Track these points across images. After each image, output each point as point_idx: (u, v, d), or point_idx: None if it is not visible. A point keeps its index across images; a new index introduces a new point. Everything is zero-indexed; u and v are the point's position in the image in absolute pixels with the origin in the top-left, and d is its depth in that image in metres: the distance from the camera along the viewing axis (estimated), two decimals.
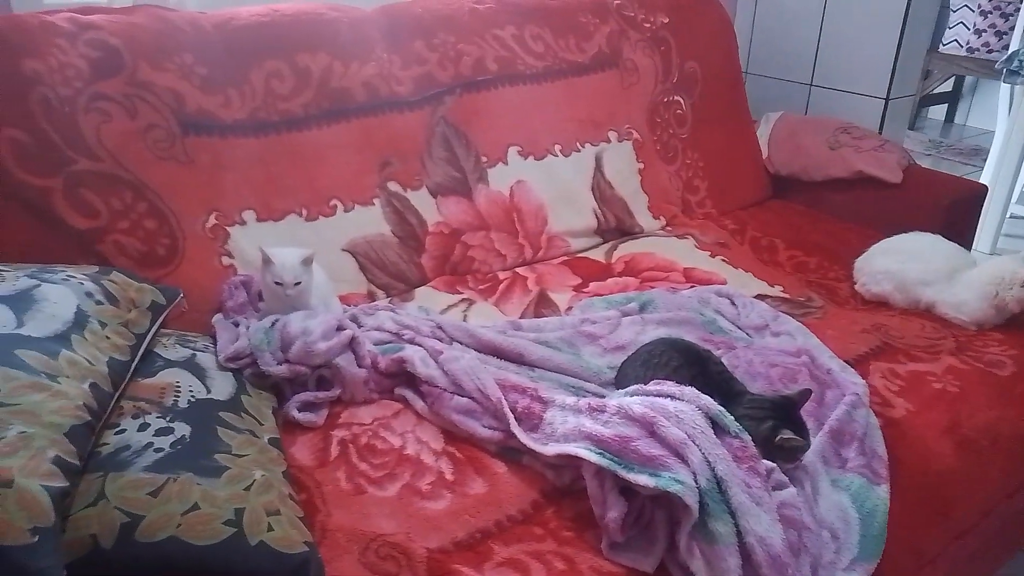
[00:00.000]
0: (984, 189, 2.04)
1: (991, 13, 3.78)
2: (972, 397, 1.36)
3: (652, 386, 1.12)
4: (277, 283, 1.28)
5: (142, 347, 1.09)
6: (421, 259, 1.65)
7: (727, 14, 2.23)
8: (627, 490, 1.00)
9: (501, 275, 1.70)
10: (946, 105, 4.92)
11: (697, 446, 1.00)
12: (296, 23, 1.57)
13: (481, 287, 1.65)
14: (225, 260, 1.43)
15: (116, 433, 0.92)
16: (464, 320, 1.50)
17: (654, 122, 2.05)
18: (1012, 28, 3.61)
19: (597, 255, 1.83)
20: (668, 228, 1.98)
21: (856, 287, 1.69)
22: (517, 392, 1.17)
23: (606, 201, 1.91)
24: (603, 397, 1.17)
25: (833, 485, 1.14)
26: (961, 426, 1.31)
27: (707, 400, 1.07)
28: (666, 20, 2.08)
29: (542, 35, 1.89)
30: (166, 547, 0.81)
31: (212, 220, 1.43)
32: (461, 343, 1.34)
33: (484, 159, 1.76)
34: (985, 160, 3.36)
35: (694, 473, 0.97)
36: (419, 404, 1.23)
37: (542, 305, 1.59)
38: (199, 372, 1.13)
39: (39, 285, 1.01)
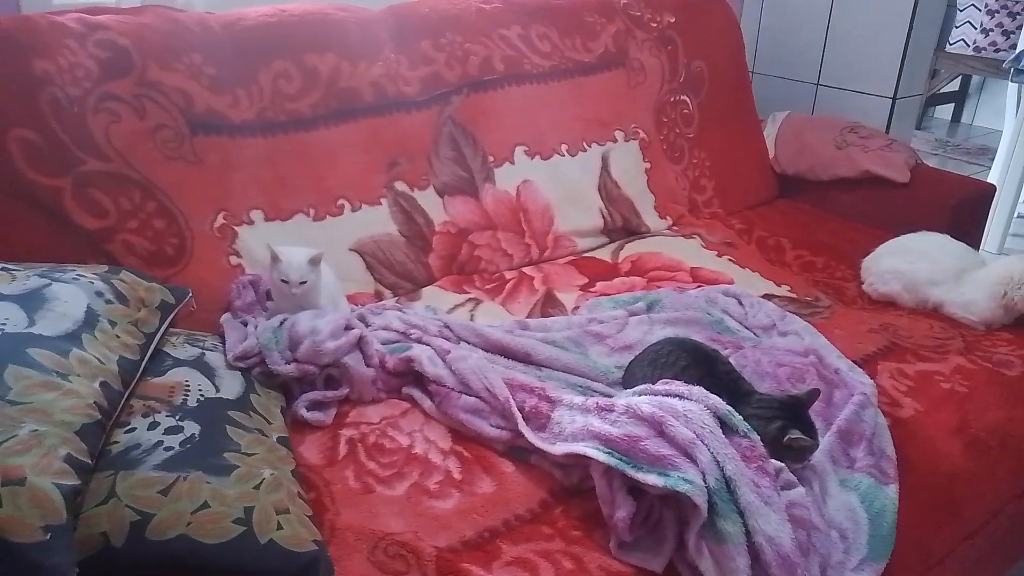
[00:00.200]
0: (992, 189, 2.03)
1: (998, 12, 3.77)
2: (981, 397, 1.36)
3: (660, 386, 1.12)
4: (283, 281, 1.29)
5: (151, 346, 1.09)
6: (428, 259, 1.65)
7: (734, 13, 2.23)
8: (635, 489, 1.00)
9: (508, 275, 1.70)
10: (953, 104, 4.90)
11: (706, 446, 1.00)
12: (304, 23, 1.58)
13: (488, 287, 1.65)
14: (233, 259, 1.43)
15: (126, 432, 0.93)
16: (471, 320, 1.50)
17: (660, 122, 2.05)
18: (1019, 27, 3.61)
19: (603, 255, 1.83)
20: (675, 228, 1.98)
21: (863, 287, 1.69)
22: (525, 391, 1.17)
23: (612, 201, 1.91)
24: (611, 397, 1.17)
25: (842, 485, 1.14)
26: (970, 426, 1.31)
27: (715, 400, 1.07)
28: (673, 19, 2.08)
29: (548, 35, 1.89)
30: (176, 545, 0.81)
31: (220, 220, 1.44)
32: (468, 342, 1.34)
33: (491, 159, 1.77)
34: (992, 159, 3.35)
35: (703, 473, 0.97)
36: (427, 403, 1.23)
37: (549, 305, 1.59)
38: (208, 371, 1.13)
39: (50, 284, 1.01)
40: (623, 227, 1.92)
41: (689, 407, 1.04)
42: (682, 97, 2.09)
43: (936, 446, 1.27)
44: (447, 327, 1.37)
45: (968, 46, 3.85)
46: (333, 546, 0.96)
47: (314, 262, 1.31)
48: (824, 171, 2.11)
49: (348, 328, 1.27)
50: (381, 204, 1.61)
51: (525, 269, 1.74)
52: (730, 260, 1.80)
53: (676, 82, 2.08)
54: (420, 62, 1.70)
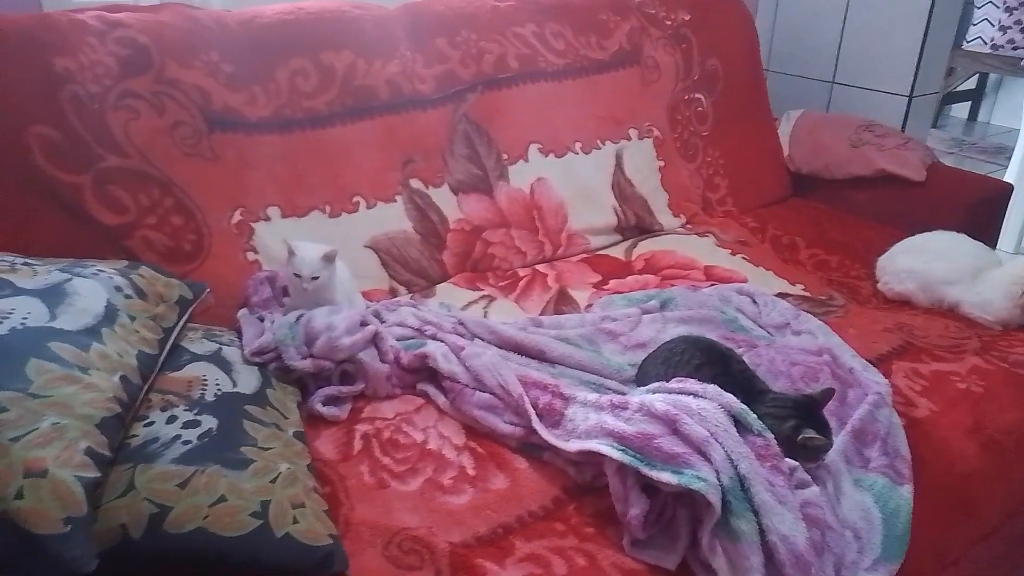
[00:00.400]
0: (1009, 188, 2.01)
1: (1016, 9, 3.73)
2: (997, 397, 1.35)
3: (674, 383, 1.12)
4: (296, 275, 1.30)
5: (170, 341, 1.11)
6: (442, 256, 1.66)
7: (748, 11, 2.22)
8: (649, 487, 1.00)
9: (521, 272, 1.71)
10: (969, 103, 4.86)
11: (720, 444, 1.00)
12: (320, 21, 1.58)
13: (501, 284, 1.66)
14: (250, 256, 1.45)
15: (145, 425, 0.94)
16: (484, 317, 1.50)
17: (675, 120, 2.05)
18: None
19: (617, 252, 1.83)
20: (688, 226, 1.98)
21: (879, 286, 1.68)
22: (538, 388, 1.17)
23: (626, 199, 1.91)
24: (624, 394, 1.17)
25: (856, 485, 1.13)
26: (985, 427, 1.30)
27: (730, 398, 1.07)
28: (687, 17, 2.08)
29: (563, 32, 1.89)
30: (194, 538, 0.82)
31: (237, 216, 1.45)
32: (482, 339, 1.35)
33: (505, 156, 1.77)
34: (1009, 159, 3.32)
35: (717, 471, 0.97)
36: (441, 399, 1.24)
37: (562, 302, 1.59)
38: (225, 366, 1.14)
39: (70, 279, 1.02)
40: (636, 225, 1.92)
41: (703, 405, 1.04)
42: (696, 95, 2.09)
43: (951, 446, 1.26)
44: (461, 324, 1.38)
45: (985, 44, 3.81)
46: (348, 540, 0.97)
47: (328, 259, 1.32)
48: (839, 170, 2.10)
49: (363, 324, 1.28)
50: (396, 201, 1.62)
51: (539, 267, 1.74)
52: (744, 258, 1.80)
53: (690, 80, 2.08)
54: (435, 60, 1.70)
